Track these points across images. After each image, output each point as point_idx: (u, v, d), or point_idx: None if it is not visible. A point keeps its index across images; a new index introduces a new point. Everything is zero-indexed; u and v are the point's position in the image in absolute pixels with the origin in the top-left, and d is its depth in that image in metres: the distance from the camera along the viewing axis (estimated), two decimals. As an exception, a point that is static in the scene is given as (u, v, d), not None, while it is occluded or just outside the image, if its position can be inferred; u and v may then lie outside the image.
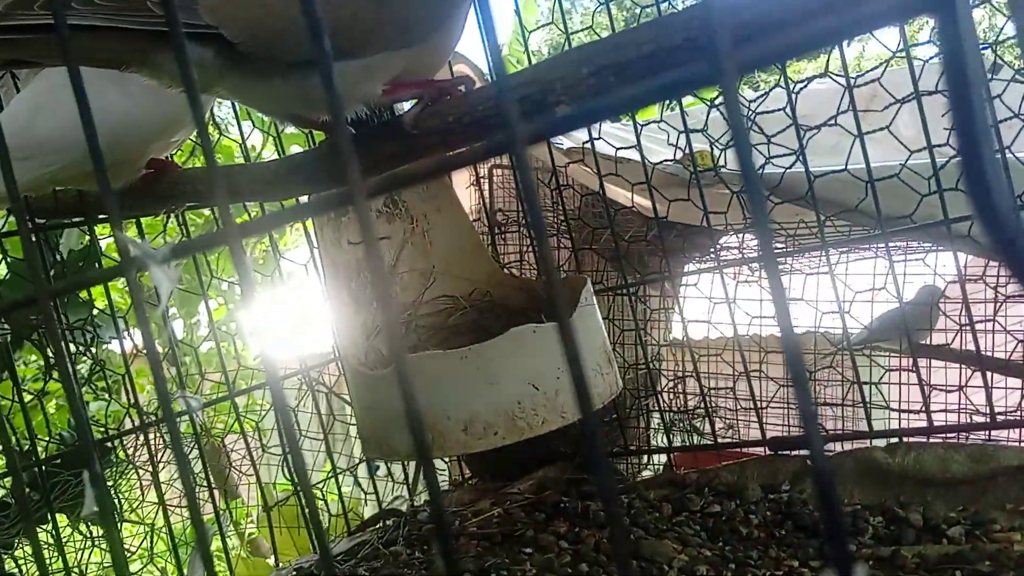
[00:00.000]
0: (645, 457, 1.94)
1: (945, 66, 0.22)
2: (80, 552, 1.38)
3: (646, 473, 1.92)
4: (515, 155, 0.34)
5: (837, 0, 0.55)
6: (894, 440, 1.29)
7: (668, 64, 0.66)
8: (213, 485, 1.38)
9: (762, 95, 1.41)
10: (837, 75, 1.28)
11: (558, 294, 0.33)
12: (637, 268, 1.97)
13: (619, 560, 0.32)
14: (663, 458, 1.90)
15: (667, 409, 1.84)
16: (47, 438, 1.29)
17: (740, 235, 1.82)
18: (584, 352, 1.25)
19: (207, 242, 0.45)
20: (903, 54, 1.25)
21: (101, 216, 1.26)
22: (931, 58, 1.25)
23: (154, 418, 1.30)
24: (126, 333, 1.41)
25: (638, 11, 1.44)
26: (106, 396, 1.45)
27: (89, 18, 0.73)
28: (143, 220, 1.44)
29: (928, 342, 2.07)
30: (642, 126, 1.53)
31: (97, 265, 1.45)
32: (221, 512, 1.33)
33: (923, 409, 1.31)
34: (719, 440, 1.55)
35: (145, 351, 0.40)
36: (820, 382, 1.99)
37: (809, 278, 1.67)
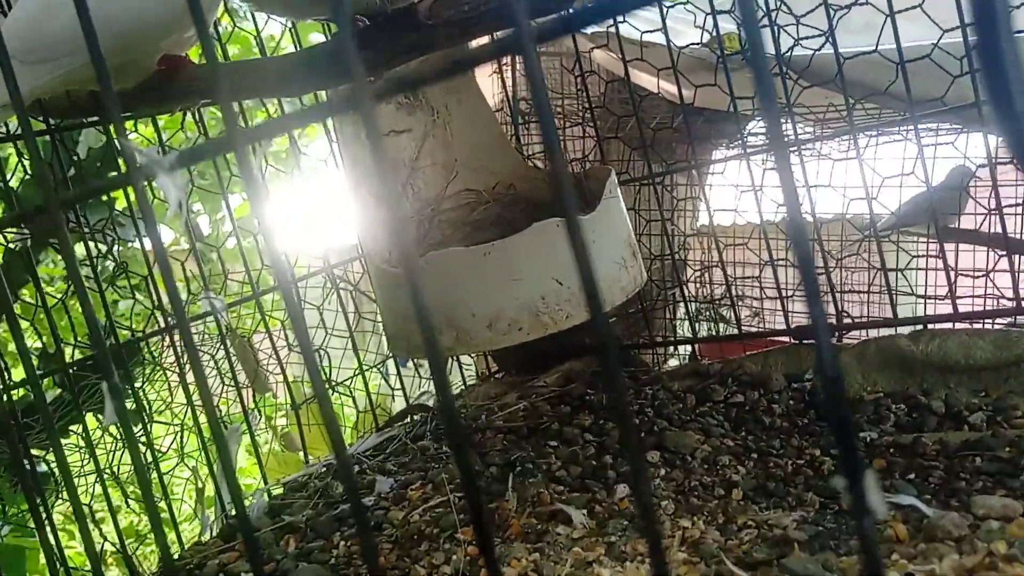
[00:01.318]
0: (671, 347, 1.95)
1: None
2: (112, 453, 1.42)
3: (672, 363, 1.94)
4: (524, 56, 0.32)
5: None
6: (919, 327, 1.29)
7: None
8: (242, 384, 1.41)
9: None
10: (871, -50, 1.22)
11: (568, 197, 0.32)
12: (664, 156, 1.93)
13: (633, 466, 0.32)
14: (689, 348, 1.91)
15: (693, 299, 1.84)
16: (73, 341, 1.30)
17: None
18: (608, 245, 1.24)
19: (214, 148, 0.45)
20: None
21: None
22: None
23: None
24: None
25: None
26: (131, 295, 1.46)
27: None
28: (160, 118, 1.42)
29: (957, 227, 2.04)
30: (668, 7, 1.48)
31: (116, 165, 1.45)
32: (250, 411, 1.36)
33: (948, 295, 1.30)
34: (743, 330, 1.55)
35: (158, 260, 0.40)
36: (847, 268, 1.97)
37: (837, 163, 1.63)
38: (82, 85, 1.10)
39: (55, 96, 1.17)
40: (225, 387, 1.47)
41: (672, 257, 1.64)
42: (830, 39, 1.26)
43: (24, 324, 1.38)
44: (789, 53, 1.35)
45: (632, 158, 1.93)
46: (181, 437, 1.52)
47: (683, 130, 1.67)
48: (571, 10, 0.73)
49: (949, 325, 1.28)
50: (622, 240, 1.27)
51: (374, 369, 1.67)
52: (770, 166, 1.53)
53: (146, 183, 0.44)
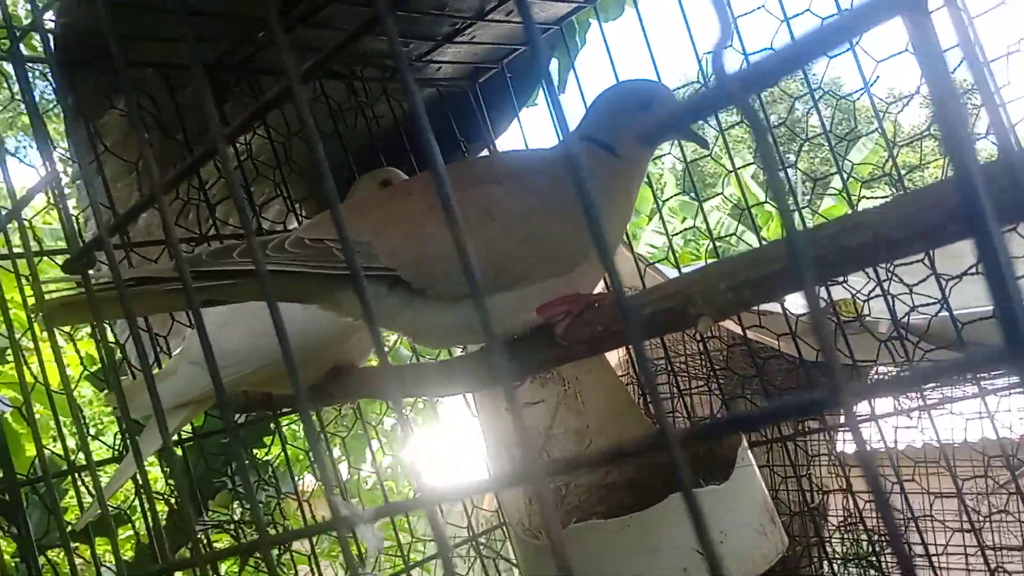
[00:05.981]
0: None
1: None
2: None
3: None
4: (675, 461, 0.40)
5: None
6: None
7: (796, 280, 0.72)
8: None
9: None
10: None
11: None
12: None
13: None
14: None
15: (835, 557, 1.80)
16: None
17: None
18: (745, 512, 1.27)
19: (406, 506, 0.53)
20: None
21: (285, 409, 1.41)
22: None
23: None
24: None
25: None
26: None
27: (284, 264, 0.86)
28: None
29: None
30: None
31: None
32: None
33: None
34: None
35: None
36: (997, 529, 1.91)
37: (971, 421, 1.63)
38: (254, 386, 1.26)
39: (233, 394, 1.33)
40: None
41: (812, 513, 1.64)
42: (945, 306, 1.32)
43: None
44: (906, 318, 1.40)
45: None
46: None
47: (807, 387, 1.71)
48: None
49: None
50: (759, 506, 1.30)
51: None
52: (901, 425, 1.55)
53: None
